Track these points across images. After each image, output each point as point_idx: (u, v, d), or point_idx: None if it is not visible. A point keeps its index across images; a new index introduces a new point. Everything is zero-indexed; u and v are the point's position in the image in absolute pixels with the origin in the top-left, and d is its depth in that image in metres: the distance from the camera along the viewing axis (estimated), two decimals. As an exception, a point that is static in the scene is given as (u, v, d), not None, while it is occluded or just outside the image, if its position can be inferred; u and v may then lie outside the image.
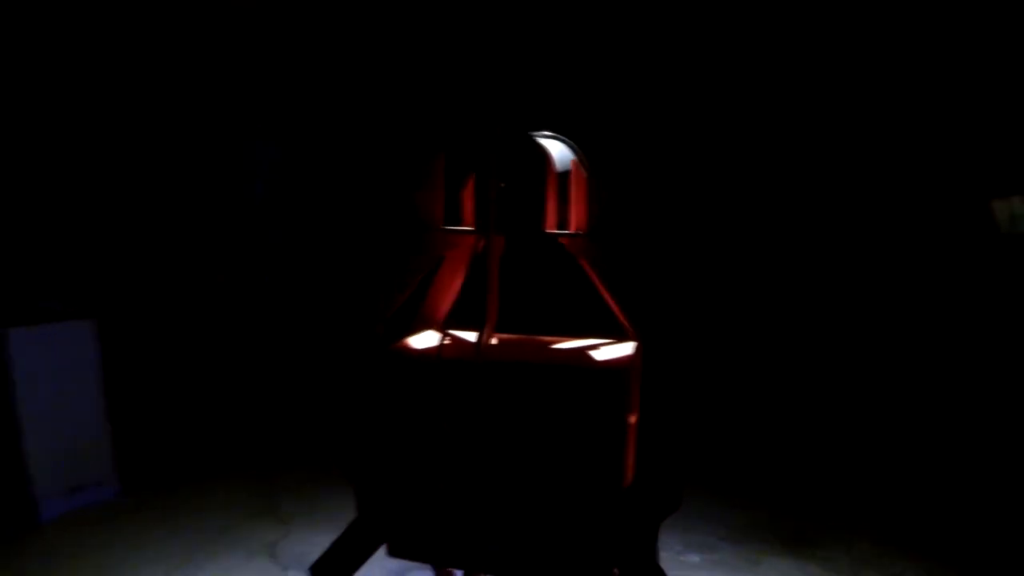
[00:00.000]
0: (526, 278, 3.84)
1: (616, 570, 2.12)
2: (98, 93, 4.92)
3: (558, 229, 2.33)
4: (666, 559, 3.73)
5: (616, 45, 4.93)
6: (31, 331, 4.05)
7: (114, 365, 4.69)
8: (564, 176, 2.38)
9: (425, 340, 2.48)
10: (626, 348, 2.30)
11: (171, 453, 5.11)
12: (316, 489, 4.52)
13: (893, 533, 3.97)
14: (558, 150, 2.48)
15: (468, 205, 2.44)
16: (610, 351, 2.26)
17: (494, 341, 2.55)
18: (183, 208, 5.40)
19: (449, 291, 2.67)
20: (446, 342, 2.43)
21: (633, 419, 2.15)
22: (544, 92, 4.76)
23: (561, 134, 2.62)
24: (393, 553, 2.37)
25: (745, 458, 5.03)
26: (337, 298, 5.02)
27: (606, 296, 2.18)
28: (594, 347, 2.34)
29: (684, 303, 5.01)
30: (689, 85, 4.99)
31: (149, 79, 5.13)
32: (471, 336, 2.56)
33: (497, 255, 2.21)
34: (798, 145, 5.05)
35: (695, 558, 3.77)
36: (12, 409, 3.90)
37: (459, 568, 2.47)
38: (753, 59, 4.93)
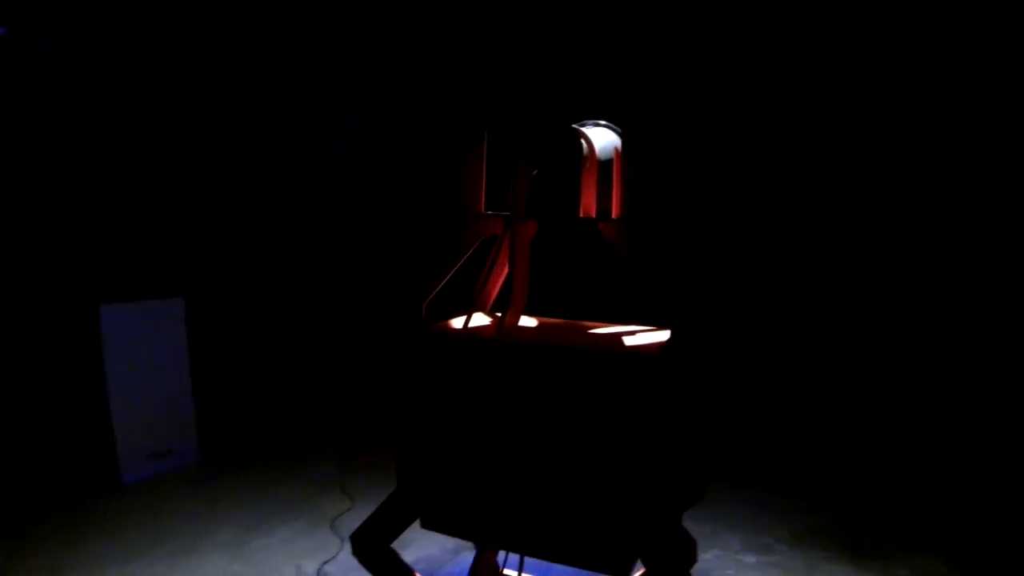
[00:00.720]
0: (578, 263, 3.84)
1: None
2: (199, 90, 5.23)
3: (599, 215, 2.33)
4: (723, 557, 3.66)
5: (671, 31, 4.86)
6: (123, 307, 4.36)
7: (201, 341, 4.98)
8: (608, 164, 2.38)
9: (472, 321, 2.53)
10: (661, 336, 2.27)
11: (251, 427, 5.37)
12: (387, 468, 4.65)
13: (966, 553, 3.75)
14: (604, 138, 2.48)
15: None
16: (644, 338, 2.25)
17: (534, 323, 2.58)
18: (264, 197, 5.66)
19: (501, 274, 2.73)
20: (486, 323, 2.47)
21: (663, 406, 2.13)
22: (598, 80, 4.75)
23: (611, 122, 2.63)
24: (425, 525, 2.44)
25: (813, 457, 4.85)
26: (395, 281, 5.14)
27: (640, 281, 2.16)
28: (630, 333, 2.33)
29: (730, 292, 4.88)
30: (732, 78, 4.86)
31: (244, 76, 5.40)
32: (522, 320, 2.61)
33: (525, 240, 2.23)
34: (839, 139, 4.84)
35: (751, 559, 3.67)
36: (102, 378, 4.21)
37: (484, 544, 2.51)
38: (802, 48, 4.74)
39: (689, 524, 2.42)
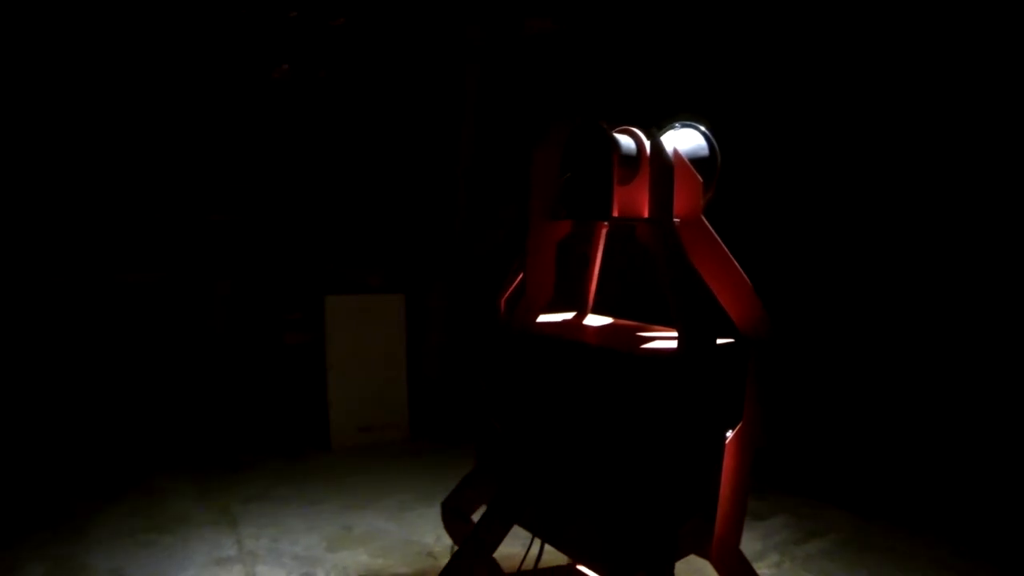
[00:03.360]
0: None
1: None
2: (422, 115, 6.00)
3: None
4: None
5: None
6: (345, 298, 5.18)
7: (417, 334, 5.65)
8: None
9: (550, 317, 2.73)
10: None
11: (458, 415, 5.93)
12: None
13: None
14: (680, 140, 2.51)
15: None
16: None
17: (599, 323, 2.67)
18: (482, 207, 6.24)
19: (590, 275, 2.88)
20: (553, 320, 2.63)
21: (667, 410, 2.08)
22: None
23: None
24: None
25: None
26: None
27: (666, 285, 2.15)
28: (670, 337, 2.32)
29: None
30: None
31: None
32: (604, 320, 2.74)
33: (539, 239, 2.35)
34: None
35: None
36: (322, 358, 5.04)
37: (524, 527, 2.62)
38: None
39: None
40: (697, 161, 2.49)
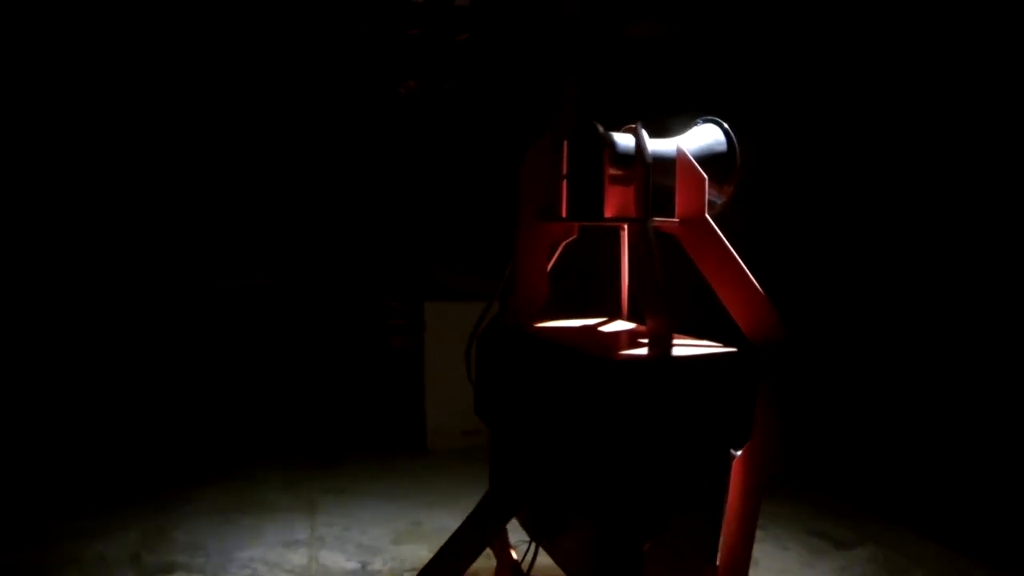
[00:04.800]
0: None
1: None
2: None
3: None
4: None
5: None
6: (445, 304, 5.34)
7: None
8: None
9: (566, 322, 2.69)
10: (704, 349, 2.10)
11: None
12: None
13: None
14: (685, 136, 2.40)
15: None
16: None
17: (609, 328, 2.59)
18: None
19: (620, 279, 2.81)
20: (556, 324, 2.60)
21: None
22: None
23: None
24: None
25: None
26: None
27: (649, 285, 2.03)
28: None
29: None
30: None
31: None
32: (622, 325, 2.67)
33: (529, 240, 2.30)
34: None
35: None
36: (421, 362, 5.23)
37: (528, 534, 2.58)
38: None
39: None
40: (713, 157, 2.36)
